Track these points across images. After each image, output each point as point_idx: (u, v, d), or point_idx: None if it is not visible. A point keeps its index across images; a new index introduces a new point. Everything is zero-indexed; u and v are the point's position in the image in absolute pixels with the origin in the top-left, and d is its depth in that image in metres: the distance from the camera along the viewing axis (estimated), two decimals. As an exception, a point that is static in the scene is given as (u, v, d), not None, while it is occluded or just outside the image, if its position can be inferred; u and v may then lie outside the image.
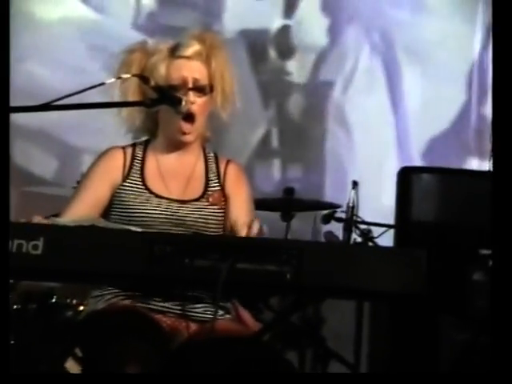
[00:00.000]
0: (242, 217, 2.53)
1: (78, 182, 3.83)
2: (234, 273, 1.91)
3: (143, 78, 2.44)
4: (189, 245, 1.94)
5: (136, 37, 4.71)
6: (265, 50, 5.06)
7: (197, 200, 2.54)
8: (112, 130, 4.49)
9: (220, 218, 2.54)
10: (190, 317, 2.43)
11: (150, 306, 2.41)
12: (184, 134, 2.53)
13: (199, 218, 2.50)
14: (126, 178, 2.53)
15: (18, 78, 4.80)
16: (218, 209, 2.54)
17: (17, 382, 1.89)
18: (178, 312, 2.43)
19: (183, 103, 2.43)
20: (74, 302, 3.66)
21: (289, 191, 4.02)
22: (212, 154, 2.64)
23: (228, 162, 2.63)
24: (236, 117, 2.63)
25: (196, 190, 2.56)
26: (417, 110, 5.07)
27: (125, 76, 2.44)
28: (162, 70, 2.52)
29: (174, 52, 2.54)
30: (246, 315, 2.52)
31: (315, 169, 5.08)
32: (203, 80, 2.53)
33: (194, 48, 2.53)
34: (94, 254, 1.92)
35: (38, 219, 2.24)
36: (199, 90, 2.53)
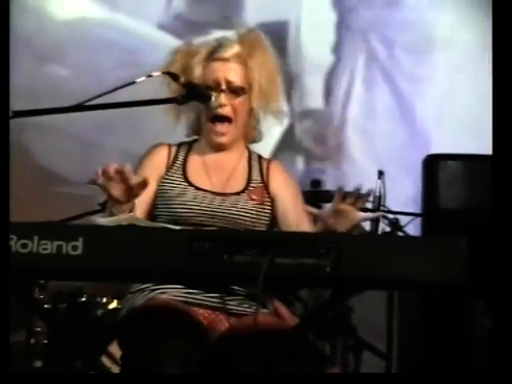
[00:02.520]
0: (297, 220, 2.57)
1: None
2: (273, 267, 1.91)
3: (172, 75, 2.46)
4: (227, 240, 1.94)
5: (160, 36, 4.76)
6: (284, 43, 5.06)
7: (237, 194, 2.56)
8: (135, 127, 4.51)
9: (260, 214, 2.56)
10: (228, 310, 2.45)
11: (187, 300, 2.43)
12: (219, 135, 2.57)
13: (237, 211, 2.52)
14: (168, 170, 2.58)
15: (40, 80, 4.82)
16: (259, 204, 2.56)
17: (17, 381, 1.90)
18: (216, 305, 2.45)
19: (213, 99, 2.46)
20: (104, 300, 3.68)
21: (316, 183, 4.03)
22: (256, 154, 2.68)
23: (270, 160, 2.68)
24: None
25: (237, 184, 2.59)
26: (439, 98, 5.06)
27: (154, 74, 2.46)
28: (197, 71, 2.56)
29: (212, 54, 2.58)
30: (282, 308, 2.53)
31: (339, 160, 5.08)
32: (238, 81, 2.56)
33: (232, 50, 2.57)
34: (133, 253, 1.92)
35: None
36: (233, 91, 2.56)
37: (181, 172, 2.57)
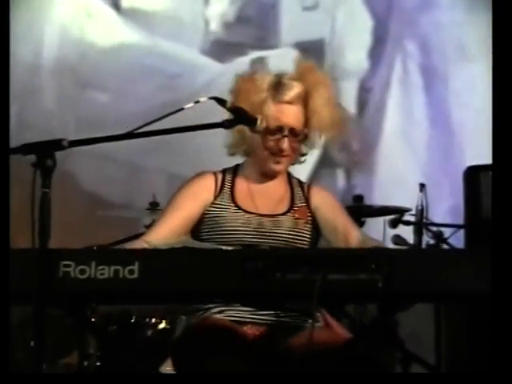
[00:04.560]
0: (343, 224, 2.68)
1: (151, 204, 3.93)
2: (325, 284, 1.95)
3: (219, 100, 2.49)
4: (279, 259, 1.99)
5: (199, 59, 4.81)
6: (321, 60, 5.10)
7: (283, 214, 2.66)
8: (179, 150, 4.56)
9: (306, 232, 2.66)
10: (281, 326, 2.49)
11: (241, 319, 2.49)
12: (277, 163, 2.67)
13: (284, 229, 2.62)
14: (216, 197, 2.66)
15: (83, 106, 4.91)
16: (304, 223, 2.66)
17: (17, 382, 1.95)
18: (269, 322, 2.50)
19: (258, 122, 2.50)
20: (153, 320, 3.73)
21: (358, 198, 4.06)
22: (296, 180, 2.78)
23: (310, 184, 2.78)
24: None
25: (282, 207, 2.69)
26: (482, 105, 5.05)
27: (202, 99, 2.49)
28: (265, 111, 2.62)
29: (275, 93, 2.65)
30: (333, 322, 2.57)
31: (377, 173, 5.10)
32: (299, 126, 2.66)
33: (294, 91, 2.65)
34: (187, 275, 1.97)
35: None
36: (294, 135, 2.65)
37: (229, 196, 2.66)
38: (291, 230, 2.63)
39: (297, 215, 2.66)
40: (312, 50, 5.06)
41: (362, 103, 5.17)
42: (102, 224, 4.45)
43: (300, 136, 2.67)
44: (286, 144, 2.63)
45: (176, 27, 5.05)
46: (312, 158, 4.94)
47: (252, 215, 2.63)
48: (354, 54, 5.13)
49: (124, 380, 2.25)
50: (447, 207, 4.76)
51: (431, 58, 5.14)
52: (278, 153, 2.64)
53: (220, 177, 2.70)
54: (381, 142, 5.13)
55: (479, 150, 4.96)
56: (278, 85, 2.67)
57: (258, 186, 2.71)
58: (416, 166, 5.08)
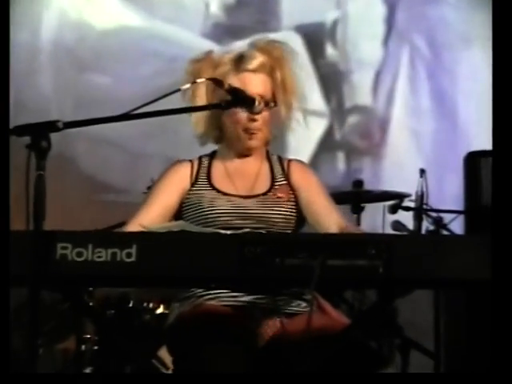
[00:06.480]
0: (324, 206, 2.61)
1: (149, 188, 3.91)
2: (325, 269, 1.93)
3: (217, 81, 2.47)
4: (278, 244, 1.96)
5: (199, 42, 4.80)
6: (322, 44, 5.07)
7: (264, 194, 2.61)
8: (177, 134, 4.55)
9: (289, 211, 2.60)
10: (276, 311, 2.47)
11: (234, 304, 2.46)
12: (249, 140, 2.60)
13: (267, 210, 2.57)
14: (193, 183, 2.62)
15: (81, 89, 4.89)
16: (286, 201, 2.61)
17: (17, 382, 1.94)
18: (264, 306, 2.47)
19: (256, 103, 2.47)
20: (151, 305, 3.72)
21: (358, 183, 4.04)
22: (275, 156, 2.72)
23: (290, 160, 2.71)
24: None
25: (263, 186, 2.64)
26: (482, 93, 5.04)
27: (199, 80, 2.47)
28: (232, 81, 2.54)
29: (238, 64, 2.59)
30: (327, 306, 2.55)
31: (379, 159, 5.08)
32: (267, 94, 2.59)
33: (258, 60, 2.58)
34: (185, 259, 1.95)
35: None
36: (265, 104, 2.56)
37: (206, 182, 2.62)
38: (273, 209, 2.57)
39: (278, 194, 2.61)
40: (313, 33, 5.03)
41: (374, 93, 5.14)
42: (99, 208, 4.44)
43: (270, 105, 2.58)
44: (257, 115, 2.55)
45: (176, 10, 5.02)
46: (312, 141, 5.02)
47: (232, 197, 2.58)
48: (367, 43, 5.10)
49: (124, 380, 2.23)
50: (448, 193, 4.74)
51: (437, 50, 5.11)
52: (250, 127, 2.57)
53: (196, 163, 2.66)
54: (386, 129, 5.10)
55: (482, 138, 4.96)
56: (240, 57, 2.61)
57: (235, 167, 2.65)
58: (418, 152, 5.06)
